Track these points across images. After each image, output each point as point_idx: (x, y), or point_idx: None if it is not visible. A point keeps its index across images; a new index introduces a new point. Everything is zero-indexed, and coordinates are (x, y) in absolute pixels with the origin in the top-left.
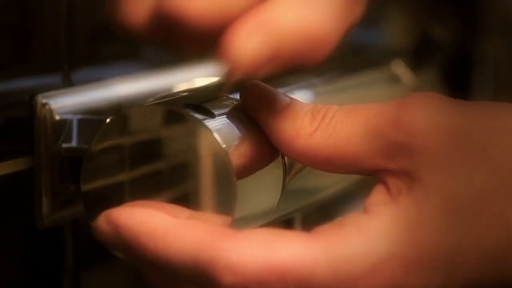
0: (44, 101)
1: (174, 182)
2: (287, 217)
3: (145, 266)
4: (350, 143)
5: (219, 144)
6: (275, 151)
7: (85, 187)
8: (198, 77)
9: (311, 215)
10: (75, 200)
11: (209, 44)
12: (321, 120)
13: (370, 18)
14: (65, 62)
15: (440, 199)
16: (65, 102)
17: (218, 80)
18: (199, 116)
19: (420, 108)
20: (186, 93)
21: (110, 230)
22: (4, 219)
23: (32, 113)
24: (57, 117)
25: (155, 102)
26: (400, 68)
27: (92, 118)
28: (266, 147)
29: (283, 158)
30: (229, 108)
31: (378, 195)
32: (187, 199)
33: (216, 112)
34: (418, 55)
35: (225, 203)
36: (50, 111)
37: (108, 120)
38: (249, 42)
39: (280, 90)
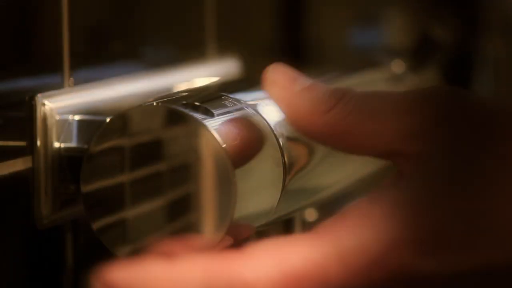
0: (44, 101)
1: (174, 182)
2: (287, 217)
3: None
4: (372, 118)
5: (219, 144)
6: (275, 151)
7: (85, 187)
8: (198, 77)
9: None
10: (75, 200)
11: None
12: (341, 97)
13: (370, 18)
14: (65, 62)
15: (449, 181)
16: (65, 102)
17: (218, 80)
18: (199, 116)
19: (443, 98)
20: (186, 93)
21: None
22: (4, 219)
23: (32, 113)
24: (57, 117)
25: (155, 102)
26: (400, 68)
27: (92, 118)
28: (266, 147)
29: (283, 158)
30: (229, 108)
31: (385, 180)
32: (187, 199)
33: (216, 112)
34: (418, 55)
35: (225, 203)
36: (50, 111)
37: (108, 120)
38: None
39: None
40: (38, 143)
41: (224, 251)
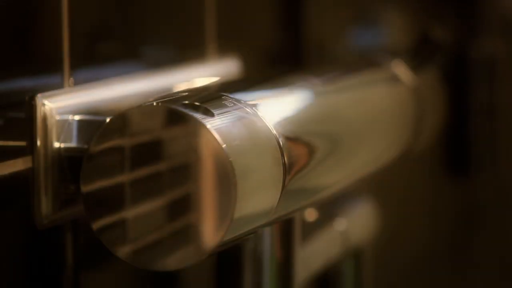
0: (44, 101)
1: (174, 182)
2: (287, 217)
3: None
4: None
5: (219, 144)
6: (275, 151)
7: (85, 187)
8: (198, 77)
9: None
10: (75, 200)
11: None
12: None
13: (370, 18)
14: (65, 62)
15: None
16: (65, 102)
17: (218, 80)
18: (199, 116)
19: None
20: (186, 93)
21: None
22: (4, 219)
23: (32, 113)
24: (57, 117)
25: (155, 102)
26: (400, 68)
27: (92, 118)
28: (266, 147)
29: (283, 158)
30: (229, 108)
31: None
32: (187, 199)
33: (216, 112)
34: (418, 55)
35: (225, 203)
36: (50, 111)
37: (108, 120)
38: None
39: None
40: (38, 143)
41: None
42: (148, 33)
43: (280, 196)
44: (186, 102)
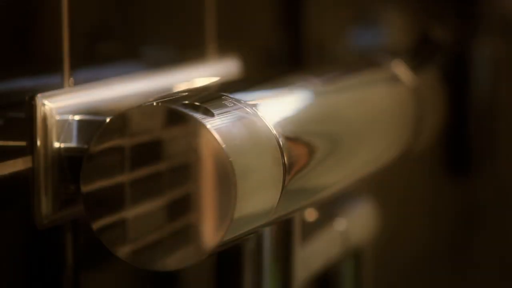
0: (44, 101)
1: (174, 182)
2: (287, 217)
3: None
4: None
5: (219, 144)
6: (275, 151)
7: (85, 187)
8: (198, 77)
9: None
10: (75, 200)
11: None
12: None
13: (370, 18)
14: (65, 62)
15: None
16: (65, 102)
17: (218, 80)
18: (199, 116)
19: None
20: (186, 93)
21: None
22: (4, 219)
23: (32, 113)
24: (57, 117)
25: (155, 102)
26: (400, 68)
27: (92, 118)
28: (266, 147)
29: (283, 158)
30: (229, 108)
31: None
32: (187, 199)
33: (216, 112)
34: (418, 55)
35: (225, 203)
36: (50, 111)
37: (108, 120)
38: None
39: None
40: (38, 143)
41: None
42: (148, 33)
43: (280, 196)
44: (186, 102)
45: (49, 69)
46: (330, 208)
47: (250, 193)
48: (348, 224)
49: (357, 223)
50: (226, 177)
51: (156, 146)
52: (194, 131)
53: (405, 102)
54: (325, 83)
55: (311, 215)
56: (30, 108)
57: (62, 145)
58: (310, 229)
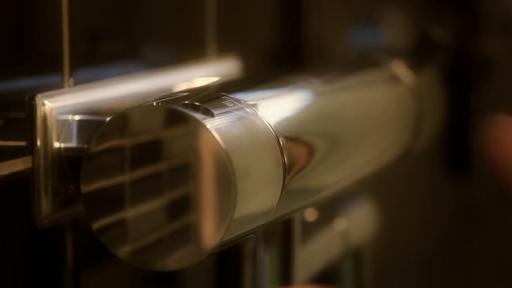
0: (44, 101)
1: (174, 182)
2: (287, 217)
3: None
4: None
5: (219, 144)
6: (275, 151)
7: (85, 187)
8: (198, 77)
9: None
10: (75, 200)
11: None
12: None
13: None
14: (65, 62)
15: None
16: (65, 102)
17: (218, 80)
18: (199, 116)
19: None
20: (186, 93)
21: None
22: (4, 219)
23: (32, 113)
24: (57, 117)
25: (155, 102)
26: (400, 68)
27: (92, 118)
28: (266, 147)
29: (283, 158)
30: (229, 108)
31: None
32: (187, 199)
33: (216, 112)
34: (418, 55)
35: (225, 203)
36: (50, 111)
37: (108, 120)
38: None
39: (281, 90)
40: (38, 143)
41: None
42: (148, 33)
43: (280, 196)
44: (186, 102)
45: (49, 69)
46: (330, 208)
47: (250, 193)
48: (348, 224)
49: (357, 223)
50: (226, 177)
51: (156, 146)
52: (194, 131)
53: (405, 102)
54: (325, 83)
55: (311, 215)
56: (30, 108)
57: (62, 145)
58: (310, 229)
